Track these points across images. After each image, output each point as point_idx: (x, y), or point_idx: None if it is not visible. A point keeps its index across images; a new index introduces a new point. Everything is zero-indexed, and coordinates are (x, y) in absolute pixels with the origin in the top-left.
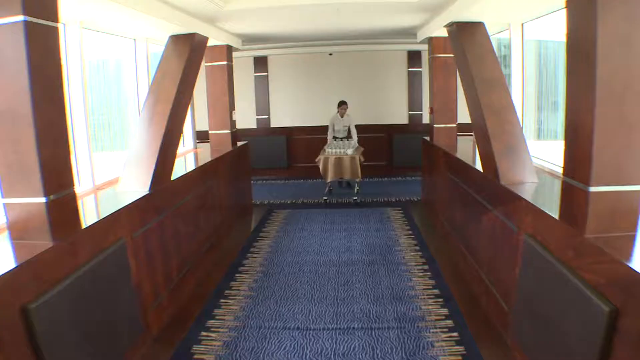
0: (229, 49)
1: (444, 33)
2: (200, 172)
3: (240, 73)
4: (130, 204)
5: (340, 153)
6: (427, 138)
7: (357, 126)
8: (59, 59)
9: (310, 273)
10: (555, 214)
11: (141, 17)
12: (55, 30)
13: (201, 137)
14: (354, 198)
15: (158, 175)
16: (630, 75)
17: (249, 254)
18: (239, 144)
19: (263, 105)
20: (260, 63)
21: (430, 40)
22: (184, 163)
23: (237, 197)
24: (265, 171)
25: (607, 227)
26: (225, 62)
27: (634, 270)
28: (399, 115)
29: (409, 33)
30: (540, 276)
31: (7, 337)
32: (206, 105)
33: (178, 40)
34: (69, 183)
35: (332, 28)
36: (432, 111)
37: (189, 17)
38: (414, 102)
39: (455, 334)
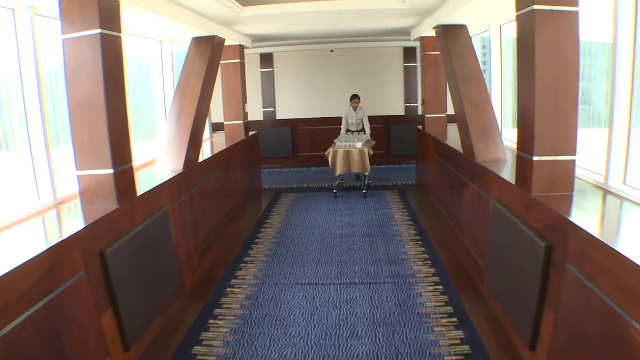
0: (242, 49)
1: (433, 33)
2: (221, 157)
3: (247, 69)
4: (170, 178)
5: (349, 146)
6: (421, 127)
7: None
8: (122, 61)
9: (317, 243)
10: (513, 180)
11: (168, 21)
12: (119, 39)
13: (215, 128)
14: (363, 191)
15: (189, 158)
16: (561, 73)
17: (262, 229)
18: (250, 133)
19: (269, 98)
20: (266, 59)
21: (421, 39)
22: (202, 151)
23: (250, 181)
24: (271, 160)
25: (548, 188)
26: (238, 60)
27: (562, 215)
28: (396, 107)
29: (403, 32)
30: (503, 230)
31: (91, 273)
32: (220, 99)
33: (200, 41)
34: (129, 158)
35: (334, 28)
36: (423, 102)
37: (210, 21)
38: (409, 94)
39: (440, 287)
